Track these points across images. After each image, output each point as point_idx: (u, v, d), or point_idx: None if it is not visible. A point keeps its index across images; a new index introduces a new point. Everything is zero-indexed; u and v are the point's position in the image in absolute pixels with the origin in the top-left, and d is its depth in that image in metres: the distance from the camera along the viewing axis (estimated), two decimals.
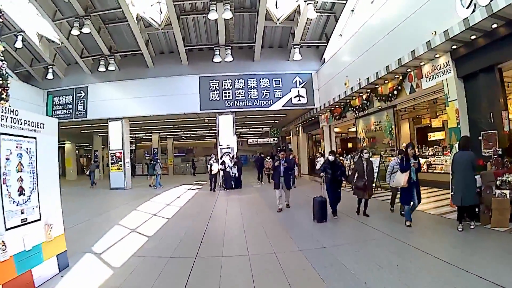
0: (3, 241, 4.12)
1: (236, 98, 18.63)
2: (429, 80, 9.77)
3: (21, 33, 16.83)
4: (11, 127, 4.46)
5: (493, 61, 7.78)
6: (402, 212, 7.82)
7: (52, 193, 5.27)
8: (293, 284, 4.45)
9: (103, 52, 18.45)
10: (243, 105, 18.68)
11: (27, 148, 4.72)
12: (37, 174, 4.87)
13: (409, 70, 10.64)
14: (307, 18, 15.88)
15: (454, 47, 8.39)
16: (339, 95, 15.26)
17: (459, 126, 8.49)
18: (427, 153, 13.49)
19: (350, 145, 25.49)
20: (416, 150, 7.91)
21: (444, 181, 10.86)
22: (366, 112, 14.93)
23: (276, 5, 16.34)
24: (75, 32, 15.94)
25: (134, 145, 35.63)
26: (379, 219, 8.11)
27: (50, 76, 19.37)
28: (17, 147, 4.54)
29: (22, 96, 18.11)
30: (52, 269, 5.03)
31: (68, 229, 6.73)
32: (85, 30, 15.73)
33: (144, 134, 32.12)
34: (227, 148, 18.24)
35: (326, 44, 18.40)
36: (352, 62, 14.13)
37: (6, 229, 4.22)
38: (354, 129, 19.04)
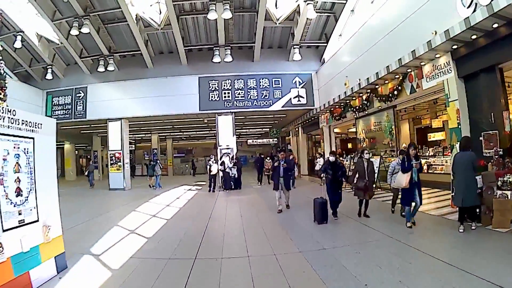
0: (0, 243, 4.08)
1: (236, 98, 18.59)
2: (429, 80, 9.73)
3: (20, 33, 16.81)
4: (9, 127, 4.42)
5: (494, 61, 7.75)
6: (403, 213, 7.77)
7: (50, 194, 5.23)
8: (293, 286, 4.40)
9: (102, 52, 18.41)
10: (242, 106, 18.65)
11: (24, 149, 4.68)
12: (34, 175, 4.82)
13: (409, 70, 10.61)
14: (307, 18, 15.85)
15: (455, 47, 8.37)
16: (339, 96, 15.23)
17: (459, 126, 8.46)
18: (427, 154, 13.45)
19: (350, 145, 25.49)
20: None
21: (444, 181, 10.82)
22: (366, 112, 14.90)
23: (275, 5, 16.32)
24: (74, 32, 15.90)
25: (133, 146, 35.57)
26: (379, 220, 8.06)
27: (49, 76, 19.33)
28: (14, 147, 4.49)
29: (21, 97, 18.05)
30: (50, 270, 4.99)
31: (67, 230, 6.70)
32: (84, 30, 15.69)
33: (144, 135, 32.09)
34: (227, 148, 18.20)
35: (326, 44, 18.35)
36: (352, 62, 14.10)
37: (4, 231, 4.17)
38: (354, 129, 19.02)
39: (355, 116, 15.96)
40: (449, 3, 7.88)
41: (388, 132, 13.99)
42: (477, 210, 6.76)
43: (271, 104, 18.62)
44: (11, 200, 4.35)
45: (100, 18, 16.81)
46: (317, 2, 15.43)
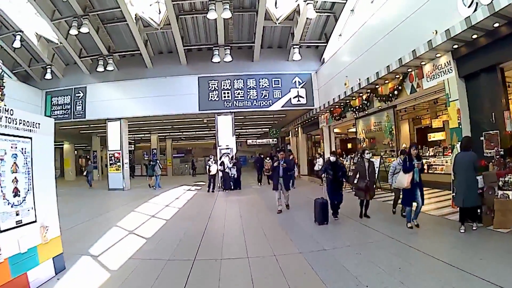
0: None
1: (235, 98, 18.56)
2: (430, 80, 9.70)
3: (19, 33, 16.75)
4: (6, 127, 4.37)
5: (495, 60, 7.71)
6: (403, 214, 7.73)
7: (48, 194, 5.17)
8: (293, 287, 4.37)
9: (101, 52, 18.36)
10: (242, 106, 18.62)
11: (22, 149, 4.63)
12: (32, 175, 4.77)
13: (409, 70, 10.57)
14: (307, 18, 15.82)
15: (455, 46, 8.33)
16: (339, 95, 15.19)
17: (460, 126, 8.42)
18: (427, 154, 13.42)
19: (349, 145, 25.46)
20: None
21: (445, 181, 10.81)
22: (366, 112, 14.86)
23: (275, 5, 16.28)
24: (73, 32, 15.84)
25: (133, 146, 35.56)
26: (380, 220, 8.03)
27: (48, 76, 19.25)
28: (12, 147, 4.44)
29: (21, 97, 18.04)
30: (48, 272, 4.94)
31: (65, 230, 6.66)
32: (84, 30, 15.64)
33: (143, 135, 32.05)
34: (226, 148, 18.17)
35: (325, 44, 18.35)
36: (352, 62, 14.07)
37: (1, 231, 4.13)
38: (353, 129, 18.98)
39: (355, 116, 15.92)
40: (450, 2, 7.84)
41: (388, 132, 13.95)
42: (478, 211, 6.72)
43: (270, 104, 18.59)
44: (8, 200, 4.30)
45: (99, 18, 16.77)
46: (317, 1, 15.41)
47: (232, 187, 16.90)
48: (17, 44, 16.93)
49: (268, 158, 18.05)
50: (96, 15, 16.39)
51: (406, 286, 4.15)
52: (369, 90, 13.47)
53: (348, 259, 5.32)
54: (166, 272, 5.16)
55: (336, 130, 21.43)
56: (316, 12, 15.36)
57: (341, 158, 15.82)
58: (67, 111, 19.70)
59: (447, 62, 8.86)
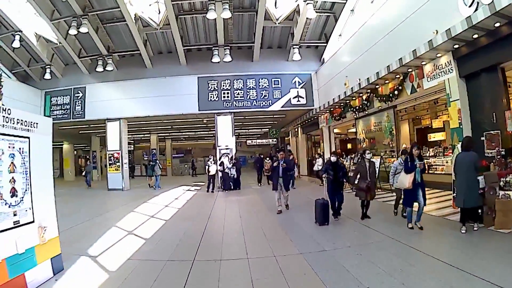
0: None
1: (235, 98, 18.54)
2: (430, 80, 9.66)
3: (18, 33, 16.70)
4: (3, 126, 4.33)
5: (496, 60, 7.67)
6: (404, 214, 7.70)
7: (46, 194, 5.13)
8: None
9: (101, 52, 18.31)
10: (242, 106, 18.60)
11: (20, 148, 4.59)
12: (30, 175, 4.73)
13: (410, 70, 10.53)
14: (307, 18, 15.79)
15: (456, 46, 8.29)
16: (339, 96, 15.15)
17: (461, 126, 8.38)
18: (427, 154, 13.38)
19: (349, 146, 25.43)
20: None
21: (445, 182, 10.78)
22: (366, 112, 14.82)
23: (275, 5, 16.28)
24: (72, 31, 15.80)
25: (132, 146, 35.52)
26: (380, 221, 7.99)
27: (47, 76, 19.20)
28: (9, 147, 4.40)
29: (20, 97, 18.03)
30: (46, 272, 4.90)
31: (64, 231, 6.62)
32: (83, 29, 15.60)
33: (143, 135, 32.01)
34: (226, 149, 18.14)
35: (325, 44, 18.32)
36: (352, 62, 14.04)
37: None
38: (353, 130, 18.95)
39: (355, 116, 15.88)
40: (450, 2, 7.82)
41: (388, 132, 13.91)
42: (479, 211, 6.68)
43: (270, 104, 18.57)
44: (5, 200, 4.26)
45: (98, 18, 16.74)
46: (316, 2, 15.39)
47: (232, 187, 16.86)
48: (16, 44, 16.87)
49: (268, 158, 18.03)
50: (96, 15, 16.37)
51: (407, 287, 4.12)
52: (369, 90, 13.43)
53: (349, 259, 5.28)
54: (165, 273, 5.13)
55: (336, 130, 21.40)
56: (316, 12, 15.34)
57: (341, 159, 15.79)
58: (66, 111, 19.67)
59: (447, 62, 8.82)
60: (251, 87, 18.55)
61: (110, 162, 19.37)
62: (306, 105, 18.82)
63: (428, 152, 13.61)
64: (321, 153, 18.93)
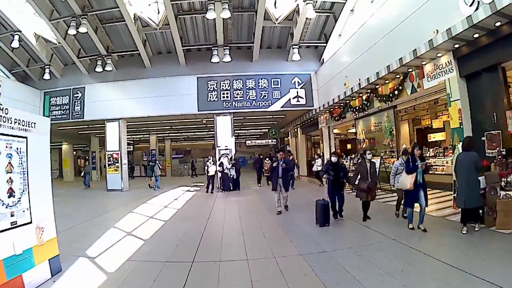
0: None
1: (234, 99, 18.49)
2: (431, 80, 9.62)
3: (17, 33, 16.65)
4: (0, 126, 4.29)
5: (496, 60, 7.62)
6: (405, 215, 7.65)
7: (44, 195, 5.09)
8: None
9: (100, 52, 18.26)
10: (241, 106, 18.55)
11: (17, 148, 4.56)
12: (28, 175, 4.70)
13: (410, 69, 10.48)
14: (306, 18, 15.76)
15: (457, 46, 8.25)
16: (339, 96, 15.11)
17: (461, 126, 8.34)
18: (427, 154, 13.36)
19: (349, 146, 25.40)
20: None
21: (445, 182, 10.76)
22: (366, 112, 14.76)
23: (275, 5, 16.25)
24: (72, 31, 15.75)
25: (131, 147, 35.47)
26: (381, 221, 7.95)
27: (47, 76, 19.14)
28: (6, 146, 4.37)
29: (19, 97, 18.03)
30: (44, 274, 4.86)
31: (62, 232, 6.58)
32: (82, 29, 15.57)
33: (142, 136, 31.97)
34: (225, 149, 18.10)
35: (325, 44, 18.28)
36: (351, 62, 14.00)
37: None
38: (353, 130, 18.91)
39: (355, 116, 15.83)
40: (451, 1, 7.78)
41: (388, 132, 13.87)
42: (480, 211, 6.64)
43: (270, 104, 18.51)
44: (3, 201, 4.23)
45: (98, 18, 16.71)
46: (316, 1, 15.36)
47: (231, 188, 16.82)
48: (15, 44, 16.82)
49: (267, 159, 17.99)
50: (95, 15, 16.34)
51: None
52: (369, 90, 13.38)
53: (349, 261, 5.24)
54: (164, 274, 5.08)
55: (335, 131, 21.34)
56: (316, 12, 15.29)
57: (341, 159, 15.76)
58: (65, 112, 19.62)
59: (448, 61, 8.78)
60: (251, 87, 18.51)
61: (109, 162, 19.32)
62: (306, 106, 18.77)
63: (428, 152, 13.58)
64: (321, 154, 18.90)
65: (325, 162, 11.66)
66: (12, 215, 4.35)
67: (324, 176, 8.71)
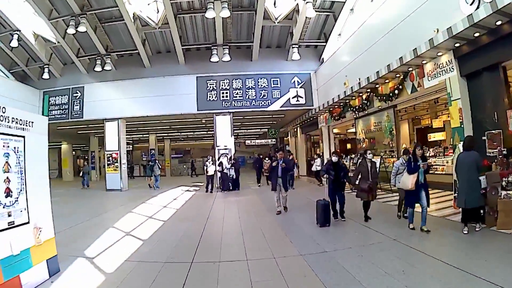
0: None
1: (234, 98, 18.46)
2: (431, 79, 9.60)
3: (16, 32, 16.59)
4: None
5: (497, 59, 7.62)
6: (405, 215, 7.60)
7: (42, 195, 5.04)
8: None
9: (99, 52, 18.21)
10: (241, 106, 18.52)
11: (14, 147, 4.50)
12: (25, 175, 4.65)
13: (410, 69, 10.46)
14: (306, 17, 15.71)
15: (457, 44, 8.23)
16: (338, 95, 15.09)
17: (462, 125, 8.32)
18: (428, 154, 13.30)
19: (349, 146, 25.37)
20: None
21: (445, 182, 10.73)
22: (366, 112, 14.76)
23: (274, 4, 16.22)
24: (71, 31, 15.72)
25: (131, 146, 35.43)
26: (381, 221, 7.90)
27: (46, 76, 19.12)
28: (3, 146, 4.32)
29: (18, 96, 18.07)
30: (42, 274, 4.81)
31: (60, 232, 6.55)
32: (81, 29, 15.52)
33: (141, 135, 31.94)
34: (225, 149, 18.05)
35: (325, 43, 18.26)
36: (351, 62, 13.97)
37: None
38: (353, 130, 18.89)
39: (355, 116, 15.82)
40: (451, 0, 7.75)
41: (388, 132, 13.84)
42: (481, 211, 6.60)
43: (269, 104, 18.48)
44: (0, 201, 4.17)
45: (97, 17, 16.66)
46: (316, 1, 15.31)
47: (231, 188, 16.78)
48: (14, 43, 16.78)
49: (267, 159, 17.95)
50: (94, 14, 16.29)
51: None
52: (369, 90, 13.36)
53: (350, 261, 5.20)
54: (163, 275, 5.04)
55: (335, 130, 21.34)
56: (315, 11, 15.25)
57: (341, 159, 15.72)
58: (64, 111, 19.57)
59: (448, 60, 8.76)
60: (250, 87, 18.47)
61: (109, 162, 19.28)
62: (305, 105, 18.74)
63: (428, 152, 13.55)
64: (320, 154, 18.88)
65: (326, 161, 11.61)
66: (9, 215, 4.30)
67: (325, 176, 8.66)
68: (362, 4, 14.99)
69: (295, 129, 26.02)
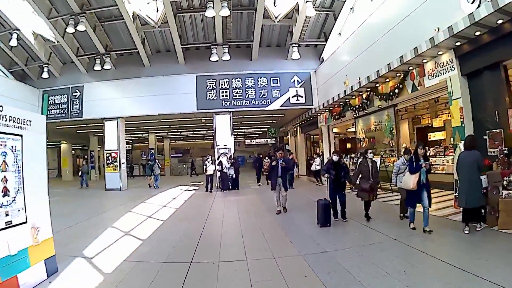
0: None
1: (234, 97, 18.42)
2: (432, 78, 9.55)
3: (16, 31, 16.53)
4: None
5: (498, 58, 7.56)
6: (406, 214, 7.56)
7: (40, 194, 5.00)
8: None
9: (98, 51, 18.15)
10: (240, 105, 18.47)
11: (12, 146, 4.47)
12: (23, 174, 4.61)
13: (411, 68, 10.41)
14: (306, 16, 15.66)
15: (458, 43, 8.19)
16: (338, 94, 15.06)
17: (463, 125, 8.28)
18: (428, 154, 13.26)
19: (349, 145, 25.34)
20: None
21: (445, 181, 10.69)
22: (366, 111, 14.71)
23: (274, 3, 16.16)
24: (70, 30, 15.68)
25: (130, 146, 35.39)
26: (381, 221, 7.87)
27: (45, 75, 19.06)
28: (1, 144, 4.29)
29: (18, 96, 18.01)
30: (40, 274, 4.78)
31: (59, 232, 6.52)
32: (81, 28, 15.45)
33: (141, 135, 31.89)
34: (224, 148, 18.02)
35: (325, 42, 18.20)
36: (351, 61, 13.92)
37: None
38: (353, 129, 18.86)
39: (355, 115, 15.79)
40: None
41: (389, 131, 13.80)
42: (482, 211, 6.57)
43: (269, 103, 18.43)
44: None
45: (96, 16, 16.60)
46: (316, 0, 15.25)
47: (230, 187, 16.74)
48: (13, 42, 16.73)
49: (267, 158, 17.91)
50: (93, 13, 16.23)
51: None
52: (369, 89, 13.31)
53: (351, 261, 5.16)
54: (162, 275, 5.01)
55: (335, 130, 21.31)
56: (315, 10, 15.20)
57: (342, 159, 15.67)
58: (64, 110, 19.52)
59: (449, 59, 8.72)
60: (250, 86, 18.43)
61: (108, 161, 19.25)
62: (305, 104, 18.69)
63: (429, 151, 13.50)
64: (320, 153, 18.85)
65: (326, 161, 11.57)
66: (6, 215, 4.27)
67: (326, 175, 8.61)
68: (362, 3, 14.93)
69: (295, 129, 25.98)
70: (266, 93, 18.38)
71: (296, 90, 18.52)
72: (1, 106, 4.32)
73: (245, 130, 32.82)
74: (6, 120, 4.38)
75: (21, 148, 4.62)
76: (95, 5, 15.86)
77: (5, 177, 4.30)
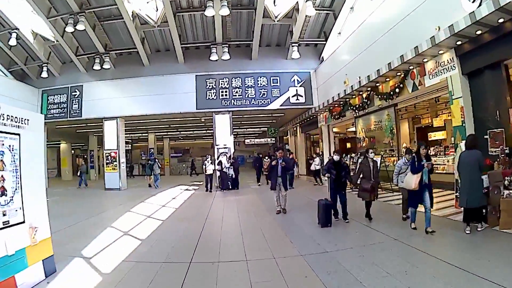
0: None
1: (233, 97, 18.38)
2: (432, 77, 9.50)
3: (15, 31, 16.50)
4: None
5: (499, 57, 7.52)
6: (407, 215, 7.51)
7: (37, 194, 4.97)
8: None
9: (98, 50, 18.11)
10: (240, 104, 18.43)
11: (9, 145, 4.42)
12: (20, 174, 4.57)
13: (411, 67, 10.36)
14: (306, 16, 15.62)
15: (459, 42, 8.13)
16: (338, 94, 15.02)
17: (464, 124, 8.23)
18: (428, 153, 13.23)
19: (349, 145, 25.30)
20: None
21: (446, 181, 10.66)
22: (366, 111, 14.66)
23: (274, 2, 16.12)
24: (69, 29, 15.64)
25: (130, 145, 35.37)
26: (382, 221, 7.83)
27: (44, 74, 19.07)
28: None
29: (17, 95, 17.99)
30: (38, 275, 4.74)
31: (57, 232, 6.48)
32: (80, 27, 15.40)
33: (140, 134, 31.91)
34: (224, 148, 17.99)
35: (325, 42, 18.15)
36: (351, 61, 13.89)
37: None
38: (353, 129, 18.82)
39: (355, 115, 15.73)
40: None
41: (389, 131, 13.76)
42: (484, 211, 6.53)
43: (269, 103, 18.40)
44: None
45: (95, 15, 16.57)
46: None
47: (230, 187, 16.71)
48: (13, 42, 16.70)
49: (266, 158, 17.87)
50: (93, 12, 16.19)
51: None
52: (369, 88, 13.26)
53: (352, 262, 5.13)
54: (161, 275, 4.97)
55: (335, 130, 21.26)
56: (315, 9, 15.14)
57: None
58: (63, 110, 19.50)
59: (450, 59, 8.67)
60: (250, 86, 18.40)
61: (107, 161, 19.22)
62: (305, 104, 18.65)
63: (429, 151, 13.46)
64: (319, 153, 18.80)
65: (327, 160, 11.53)
66: (4, 215, 4.23)
67: (326, 175, 8.57)
68: (362, 3, 14.90)
69: (295, 128, 25.95)
70: (266, 92, 18.34)
71: (296, 90, 18.49)
72: None
73: (245, 129, 32.79)
74: (3, 119, 4.34)
75: (18, 147, 4.58)
76: (94, 5, 15.82)
77: (2, 176, 4.26)
